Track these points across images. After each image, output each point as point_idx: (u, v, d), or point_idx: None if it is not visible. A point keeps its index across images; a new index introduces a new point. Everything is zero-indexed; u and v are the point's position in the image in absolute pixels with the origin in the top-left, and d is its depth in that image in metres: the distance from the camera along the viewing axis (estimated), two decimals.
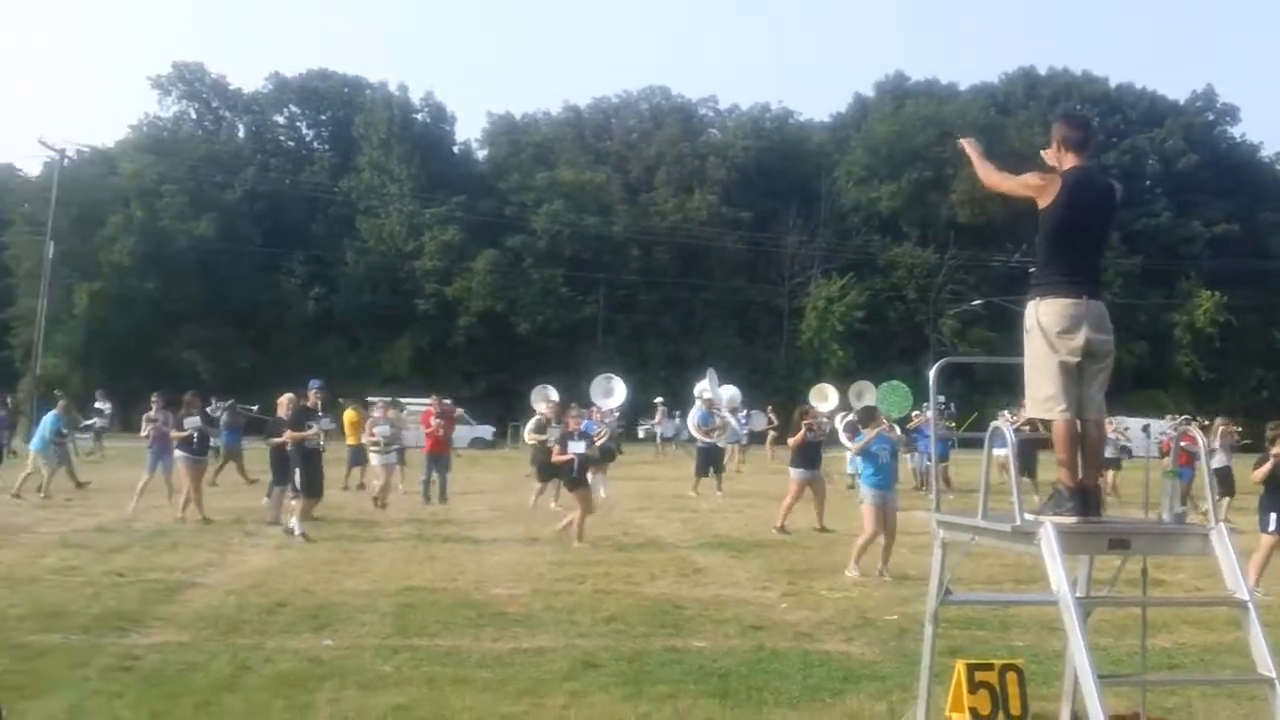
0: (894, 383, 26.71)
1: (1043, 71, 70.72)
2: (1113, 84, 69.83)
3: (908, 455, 22.88)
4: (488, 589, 10.33)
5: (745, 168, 62.47)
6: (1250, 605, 4.93)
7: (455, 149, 64.29)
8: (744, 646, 8.07)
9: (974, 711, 5.90)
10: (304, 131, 66.72)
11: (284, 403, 15.18)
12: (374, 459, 18.38)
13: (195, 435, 15.69)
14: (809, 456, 15.80)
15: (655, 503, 19.63)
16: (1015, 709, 5.94)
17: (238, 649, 7.64)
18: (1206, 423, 20.26)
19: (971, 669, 6.00)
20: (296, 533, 13.55)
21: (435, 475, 19.21)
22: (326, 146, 64.46)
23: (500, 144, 65.57)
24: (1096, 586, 6.22)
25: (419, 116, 60.94)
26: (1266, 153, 72.32)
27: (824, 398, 30.80)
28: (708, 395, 26.65)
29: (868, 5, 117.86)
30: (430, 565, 11.81)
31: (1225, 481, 17.63)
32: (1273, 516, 11.11)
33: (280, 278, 55.60)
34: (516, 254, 56.30)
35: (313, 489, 14.10)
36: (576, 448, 14.21)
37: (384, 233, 57.14)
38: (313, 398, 15.66)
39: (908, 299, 61.32)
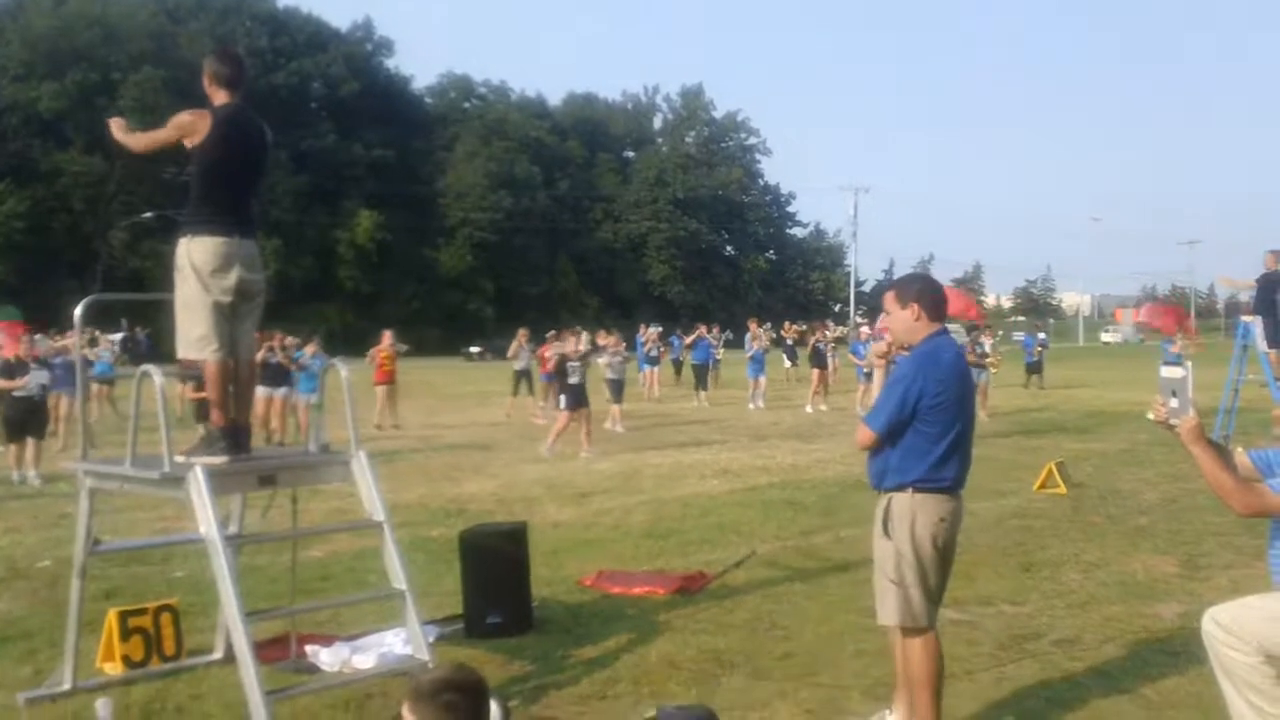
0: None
1: None
2: (280, 5, 70.79)
3: None
4: None
5: None
6: (385, 526, 5.51)
7: None
8: None
9: (127, 659, 5.77)
10: None
11: None
12: None
13: None
14: None
15: None
16: (170, 649, 5.94)
17: None
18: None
19: (124, 615, 5.84)
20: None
21: None
22: None
23: None
24: (253, 507, 6.40)
25: None
26: (417, 85, 79.66)
27: None
28: None
29: None
30: None
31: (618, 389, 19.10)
32: (563, 398, 15.59)
33: None
34: None
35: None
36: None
37: None
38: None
39: (74, 209, 56.70)
